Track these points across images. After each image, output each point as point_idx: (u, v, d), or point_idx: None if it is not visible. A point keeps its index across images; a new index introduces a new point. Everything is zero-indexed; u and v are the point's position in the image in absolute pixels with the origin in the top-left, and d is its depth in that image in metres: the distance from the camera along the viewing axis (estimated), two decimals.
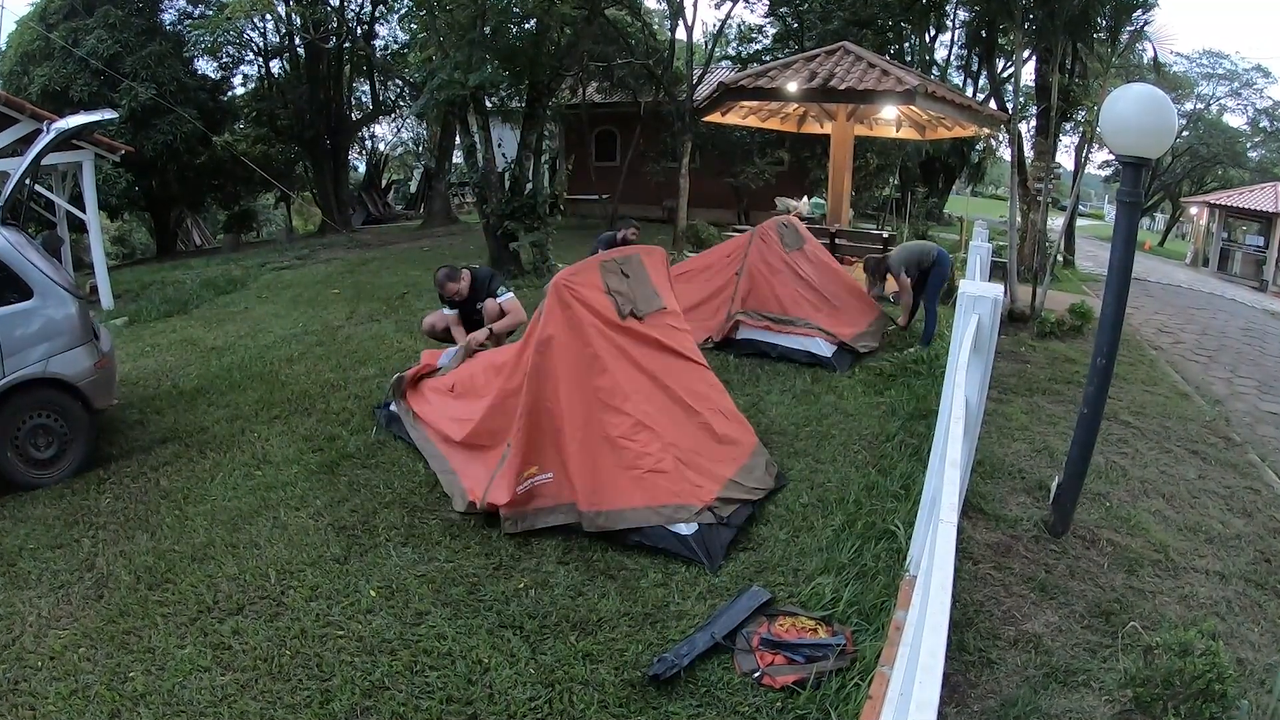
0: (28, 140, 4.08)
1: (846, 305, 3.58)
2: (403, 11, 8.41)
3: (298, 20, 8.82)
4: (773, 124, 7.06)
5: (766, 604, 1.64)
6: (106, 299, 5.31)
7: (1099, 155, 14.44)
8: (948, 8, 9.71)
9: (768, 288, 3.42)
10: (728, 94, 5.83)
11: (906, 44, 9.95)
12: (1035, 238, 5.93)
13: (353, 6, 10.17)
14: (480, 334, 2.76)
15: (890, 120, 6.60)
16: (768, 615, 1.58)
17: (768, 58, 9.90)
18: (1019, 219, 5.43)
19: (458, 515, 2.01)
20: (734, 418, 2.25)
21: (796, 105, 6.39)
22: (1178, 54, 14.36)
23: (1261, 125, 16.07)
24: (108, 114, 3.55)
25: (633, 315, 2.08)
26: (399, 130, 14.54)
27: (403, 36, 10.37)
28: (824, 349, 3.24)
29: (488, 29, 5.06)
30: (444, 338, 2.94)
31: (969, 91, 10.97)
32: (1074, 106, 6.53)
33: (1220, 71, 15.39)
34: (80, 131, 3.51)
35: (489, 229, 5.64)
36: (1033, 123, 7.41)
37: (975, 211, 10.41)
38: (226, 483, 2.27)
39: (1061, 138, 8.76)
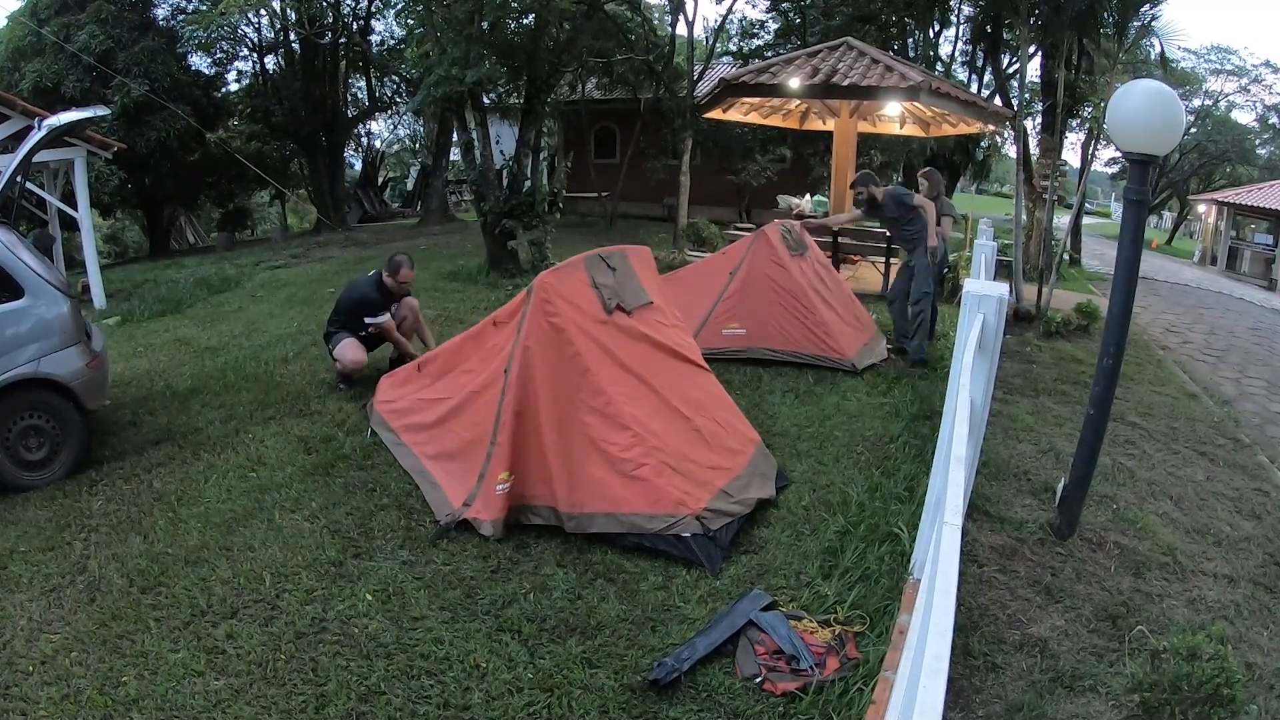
0: (19, 137, 4.05)
1: (844, 320, 3.46)
2: (399, 6, 8.31)
3: (293, 15, 8.72)
4: (774, 121, 6.99)
5: (767, 608, 1.61)
6: (99, 298, 5.24)
7: (1106, 152, 14.47)
8: (952, 3, 9.62)
9: (759, 296, 3.31)
10: (729, 90, 5.77)
11: (910, 39, 9.87)
12: (1041, 236, 5.88)
13: (348, 1, 10.08)
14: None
15: (894, 117, 6.54)
16: (769, 625, 1.56)
17: (770, 53, 9.82)
18: (1024, 217, 5.42)
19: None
20: (731, 424, 2.15)
21: (799, 102, 6.32)
22: (1185, 49, 14.23)
23: (1271, 122, 15.99)
24: (100, 110, 3.50)
25: (620, 309, 2.03)
26: (395, 127, 14.49)
27: (399, 32, 10.26)
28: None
29: (485, 24, 5.01)
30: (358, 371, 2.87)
31: (974, 88, 10.86)
32: (1080, 103, 6.47)
33: (1229, 67, 15.32)
34: (72, 128, 3.45)
35: (487, 227, 5.60)
36: (1038, 119, 7.33)
37: (980, 209, 10.32)
38: (220, 485, 2.25)
39: (1068, 135, 8.72)
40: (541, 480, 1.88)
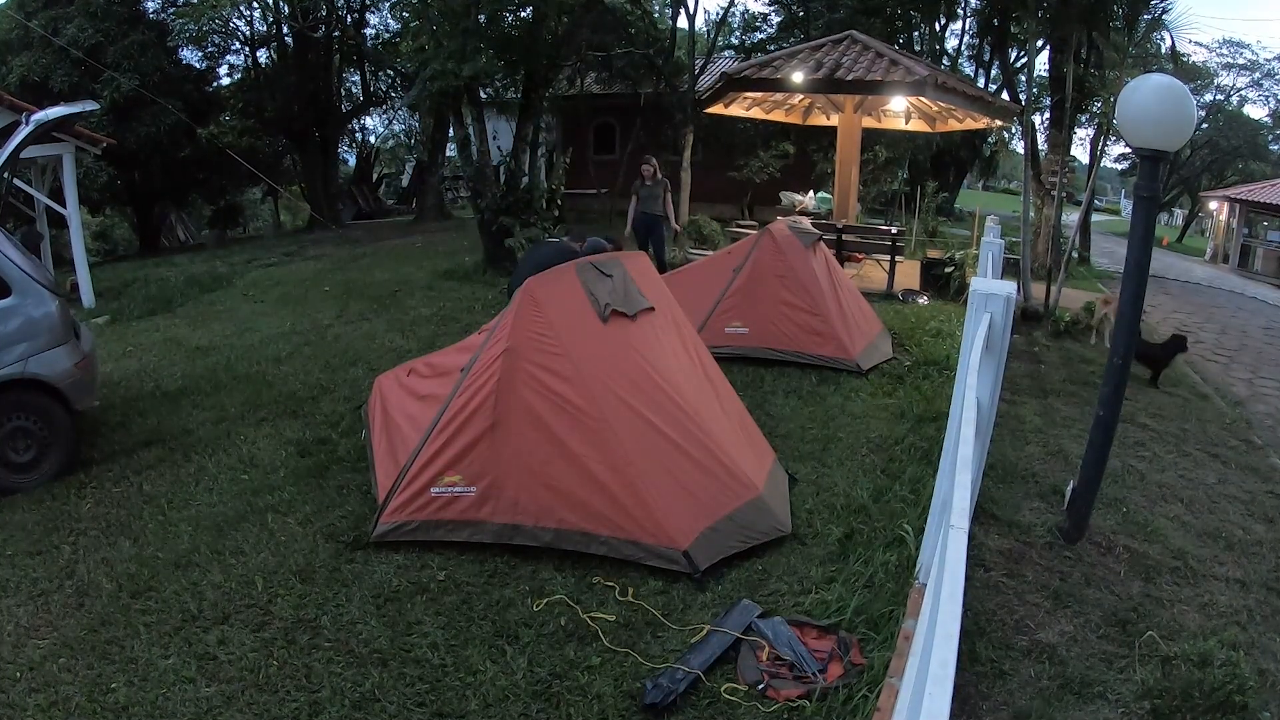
0: (6, 133, 3.92)
1: (849, 319, 3.37)
2: None
3: (285, 8, 8.59)
4: (777, 116, 6.92)
5: (764, 615, 1.58)
6: (87, 297, 5.16)
7: (1115, 148, 14.24)
8: None
9: (763, 295, 3.23)
10: (731, 85, 5.71)
11: (916, 33, 9.78)
12: (1049, 233, 5.81)
13: None
14: None
15: (899, 112, 6.45)
16: (769, 631, 1.52)
17: (772, 47, 9.74)
18: (1032, 214, 5.32)
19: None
20: (738, 447, 1.96)
21: (802, 96, 6.22)
22: (1196, 43, 14.17)
23: None
24: (89, 105, 3.44)
25: (620, 314, 1.94)
26: (390, 122, 14.24)
27: (394, 25, 10.14)
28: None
29: (482, 17, 4.95)
30: None
31: (980, 82, 10.76)
32: (1089, 98, 6.40)
33: (1241, 61, 14.97)
34: (60, 124, 3.41)
35: (484, 224, 5.54)
36: (1046, 115, 7.27)
37: (987, 206, 10.17)
38: (212, 487, 2.21)
39: (1076, 130, 8.57)
40: (497, 493, 1.79)
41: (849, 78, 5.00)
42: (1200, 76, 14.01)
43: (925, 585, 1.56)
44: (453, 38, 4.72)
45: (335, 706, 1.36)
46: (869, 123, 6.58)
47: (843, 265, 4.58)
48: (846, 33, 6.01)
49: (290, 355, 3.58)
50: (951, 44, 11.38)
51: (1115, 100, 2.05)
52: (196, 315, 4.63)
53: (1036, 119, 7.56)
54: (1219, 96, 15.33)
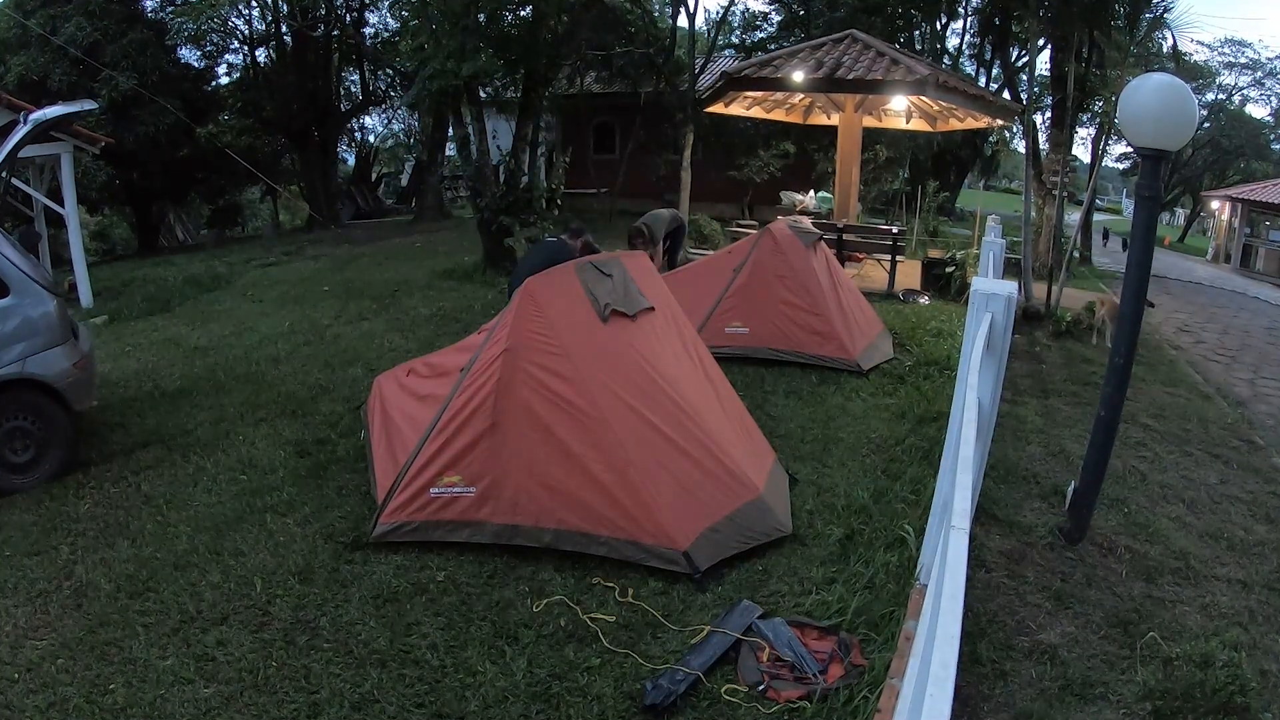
0: (4, 132, 3.91)
1: (850, 319, 3.35)
2: None
3: (284, 7, 8.56)
4: (778, 115, 6.91)
5: (764, 616, 1.58)
6: (86, 297, 5.16)
7: (1117, 148, 14.21)
8: None
9: (763, 295, 3.23)
10: (731, 84, 5.70)
11: (917, 32, 9.80)
12: (1050, 233, 5.81)
13: None
14: None
15: (900, 111, 6.45)
16: (769, 632, 1.52)
17: (773, 46, 9.76)
18: (1033, 213, 5.33)
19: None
20: (738, 447, 1.95)
21: (803, 96, 6.22)
22: (1198, 42, 13.91)
23: None
24: (87, 104, 3.43)
25: (620, 314, 1.93)
26: (389, 122, 14.18)
27: (394, 24, 10.13)
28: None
29: (481, 16, 4.95)
30: None
31: (982, 81, 10.78)
32: (1091, 97, 6.41)
33: (1242, 61, 14.98)
34: (59, 123, 3.40)
35: (483, 224, 5.53)
36: (1048, 114, 7.26)
37: (988, 206, 10.10)
38: (210, 488, 2.21)
39: (1078, 129, 8.58)
40: (497, 494, 1.78)
41: (850, 77, 5.00)
42: (1202, 76, 14.02)
43: (926, 586, 1.56)
44: (452, 37, 4.72)
45: (334, 707, 1.36)
46: (870, 122, 6.57)
47: (843, 265, 4.56)
48: (847, 31, 6.01)
49: (289, 355, 3.57)
50: (952, 43, 11.43)
51: (1117, 99, 2.04)
52: (195, 315, 4.61)
53: (1038, 118, 7.63)
54: (1221, 96, 15.41)
